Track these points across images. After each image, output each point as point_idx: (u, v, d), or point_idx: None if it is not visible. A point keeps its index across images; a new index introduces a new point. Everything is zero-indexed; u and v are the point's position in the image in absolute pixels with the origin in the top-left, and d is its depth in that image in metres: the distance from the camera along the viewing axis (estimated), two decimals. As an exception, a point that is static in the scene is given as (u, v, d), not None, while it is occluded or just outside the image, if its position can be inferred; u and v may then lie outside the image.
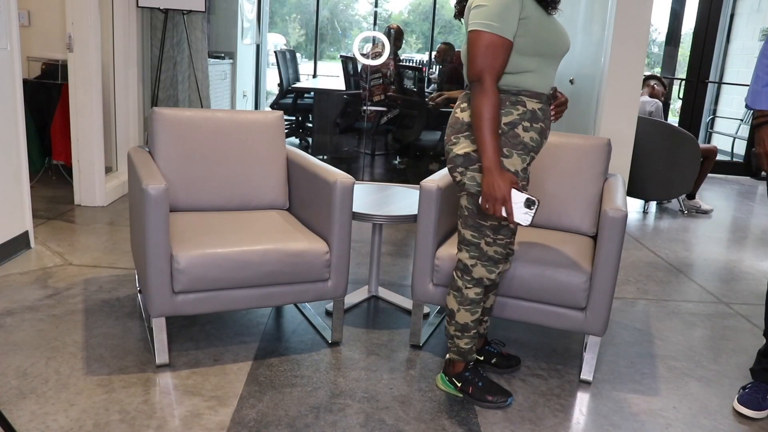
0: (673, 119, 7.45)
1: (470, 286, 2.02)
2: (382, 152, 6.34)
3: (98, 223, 3.85)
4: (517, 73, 1.84)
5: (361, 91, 5.82)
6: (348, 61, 6.07)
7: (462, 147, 1.88)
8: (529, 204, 1.78)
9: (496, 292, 2.28)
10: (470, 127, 1.87)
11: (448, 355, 2.18)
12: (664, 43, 7.75)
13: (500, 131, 1.84)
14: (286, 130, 2.90)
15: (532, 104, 1.87)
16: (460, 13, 1.97)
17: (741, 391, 2.24)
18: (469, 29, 1.79)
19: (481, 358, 2.34)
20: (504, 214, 1.79)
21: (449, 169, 1.94)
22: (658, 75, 5.35)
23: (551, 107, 1.97)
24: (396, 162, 6.15)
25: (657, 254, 3.99)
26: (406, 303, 2.86)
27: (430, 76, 6.88)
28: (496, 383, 2.17)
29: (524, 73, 1.84)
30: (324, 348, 2.46)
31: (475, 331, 2.09)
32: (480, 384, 2.13)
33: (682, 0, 7.17)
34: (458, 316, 2.06)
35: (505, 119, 1.84)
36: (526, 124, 1.85)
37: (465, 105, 1.91)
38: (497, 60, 1.76)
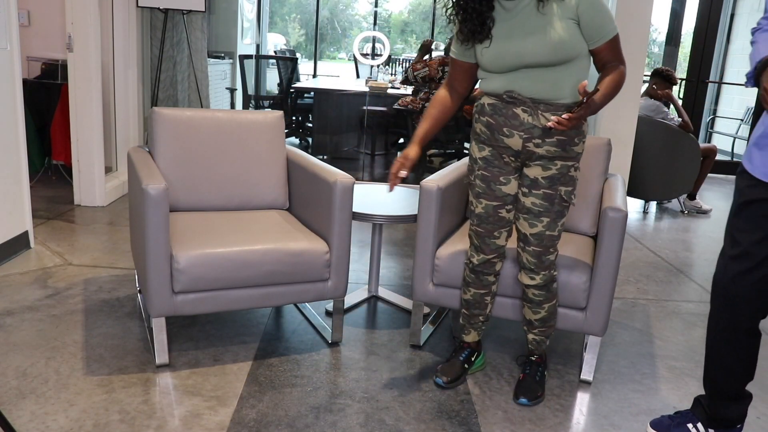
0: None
1: (466, 262, 2.20)
2: (382, 152, 6.34)
3: (98, 223, 3.85)
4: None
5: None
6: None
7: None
8: None
9: (530, 300, 2.15)
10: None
11: None
12: (664, 43, 7.75)
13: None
14: (286, 130, 2.90)
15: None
16: None
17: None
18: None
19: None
20: None
21: None
22: (666, 69, 5.11)
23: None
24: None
25: (657, 254, 3.99)
26: (406, 303, 2.86)
27: None
28: (456, 364, 2.26)
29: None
30: (324, 348, 2.46)
31: (465, 311, 2.25)
32: (449, 359, 2.31)
33: (682, 0, 7.17)
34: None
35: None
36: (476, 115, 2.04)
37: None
38: None
